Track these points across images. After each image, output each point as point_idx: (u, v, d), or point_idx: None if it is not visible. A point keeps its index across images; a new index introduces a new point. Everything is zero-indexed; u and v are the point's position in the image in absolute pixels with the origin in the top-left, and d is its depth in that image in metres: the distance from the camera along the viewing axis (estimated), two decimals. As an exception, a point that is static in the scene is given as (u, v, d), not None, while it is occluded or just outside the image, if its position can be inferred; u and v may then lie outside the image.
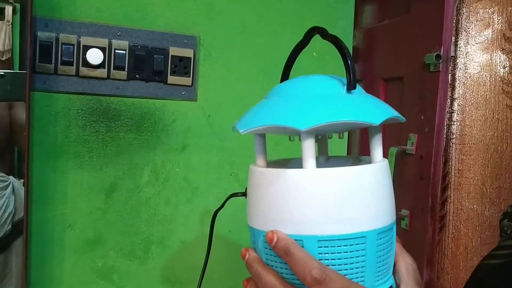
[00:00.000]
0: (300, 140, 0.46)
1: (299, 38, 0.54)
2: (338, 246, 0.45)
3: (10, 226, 0.89)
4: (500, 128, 0.92)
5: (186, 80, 1.03)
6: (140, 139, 1.01)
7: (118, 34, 0.97)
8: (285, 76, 0.55)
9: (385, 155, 1.07)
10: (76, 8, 0.94)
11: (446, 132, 0.92)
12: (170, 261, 1.05)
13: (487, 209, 0.93)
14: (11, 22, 0.84)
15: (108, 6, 0.97)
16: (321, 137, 0.58)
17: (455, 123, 0.91)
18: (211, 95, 1.06)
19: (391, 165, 0.98)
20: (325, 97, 0.46)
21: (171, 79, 1.01)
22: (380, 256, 0.47)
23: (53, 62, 0.92)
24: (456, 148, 0.91)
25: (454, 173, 0.92)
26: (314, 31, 0.51)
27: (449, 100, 0.92)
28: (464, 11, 0.91)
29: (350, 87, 0.46)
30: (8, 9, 0.83)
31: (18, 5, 0.88)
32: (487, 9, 0.92)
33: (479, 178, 0.92)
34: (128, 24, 0.98)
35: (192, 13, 1.04)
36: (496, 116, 0.92)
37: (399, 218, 1.00)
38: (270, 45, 1.10)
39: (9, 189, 0.88)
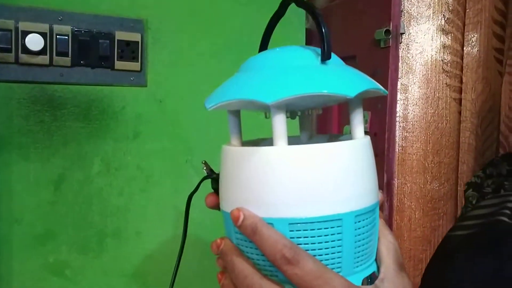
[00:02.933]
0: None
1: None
2: (311, 230, 0.41)
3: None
4: (440, 106, 0.96)
5: (134, 65, 0.99)
6: (88, 128, 0.97)
7: (60, 18, 0.93)
8: (263, 49, 0.52)
9: (337, 133, 1.07)
10: (12, -9, 0.90)
11: (397, 108, 0.92)
12: (126, 254, 1.02)
13: (428, 183, 0.97)
14: None
15: (47, -11, 0.92)
16: (301, 113, 0.54)
17: (399, 101, 0.93)
18: (162, 80, 1.03)
19: (345, 144, 0.98)
20: (296, 68, 0.43)
21: (118, 64, 0.98)
22: (359, 241, 0.43)
23: (-11, 49, 0.87)
24: (400, 126, 0.93)
25: (398, 150, 0.93)
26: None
27: (397, 77, 0.93)
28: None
29: (325, 58, 0.43)
30: None
31: None
32: (433, -15, 0.93)
33: (421, 153, 0.96)
34: (70, 8, 0.94)
35: (138, -5, 1.00)
36: (437, 95, 0.95)
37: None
38: (222, 28, 1.08)
39: None
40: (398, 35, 0.91)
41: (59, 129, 0.95)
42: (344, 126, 1.03)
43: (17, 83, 0.91)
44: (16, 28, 0.89)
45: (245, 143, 0.50)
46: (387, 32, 0.90)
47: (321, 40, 0.43)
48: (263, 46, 0.52)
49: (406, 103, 0.94)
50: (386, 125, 0.92)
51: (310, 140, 0.57)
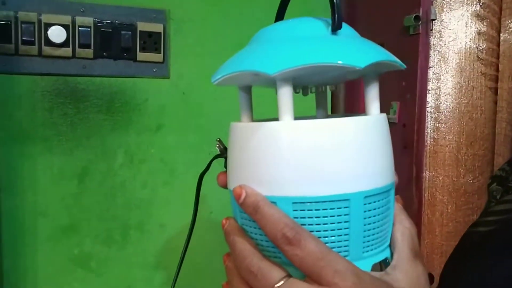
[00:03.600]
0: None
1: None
2: (316, 210, 0.38)
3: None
4: (474, 95, 0.91)
5: (157, 57, 0.98)
6: (111, 120, 0.97)
7: (82, 10, 0.92)
8: (278, 20, 0.49)
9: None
10: (35, -16, 0.89)
11: (428, 98, 0.88)
12: (150, 246, 1.02)
13: (462, 176, 0.92)
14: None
15: (69, -19, 0.92)
16: (315, 90, 0.51)
17: (430, 91, 0.88)
18: (185, 72, 1.02)
19: (373, 136, 0.94)
20: (304, 39, 0.40)
21: (141, 55, 0.96)
22: (369, 224, 0.40)
23: (13, 42, 0.87)
24: (432, 117, 0.88)
25: (430, 141, 0.89)
26: None
27: (429, 64, 0.88)
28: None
29: (335, 28, 0.40)
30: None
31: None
32: (467, -34, 0.87)
33: (454, 145, 0.91)
34: (92, 0, 0.93)
35: (160, -14, 0.99)
36: (471, 84, 0.90)
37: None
38: (245, 17, 1.05)
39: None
40: (428, 22, 0.87)
41: (82, 122, 0.95)
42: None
43: (40, 76, 0.91)
44: (39, 21, 0.89)
45: (255, 121, 0.48)
46: (417, 18, 0.86)
47: (331, 9, 0.40)
48: (279, 17, 0.49)
49: (438, 93, 0.90)
50: (416, 116, 0.88)
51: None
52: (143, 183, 1.00)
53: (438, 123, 0.91)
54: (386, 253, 0.43)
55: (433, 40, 0.89)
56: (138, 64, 0.97)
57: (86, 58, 0.93)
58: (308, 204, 0.38)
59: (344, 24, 0.42)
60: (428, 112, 0.90)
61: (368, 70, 0.41)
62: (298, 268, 0.38)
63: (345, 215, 0.39)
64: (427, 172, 0.91)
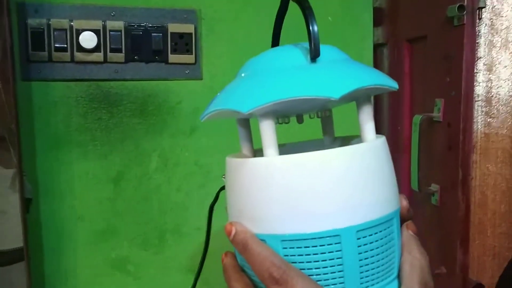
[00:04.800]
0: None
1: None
2: (305, 247, 0.37)
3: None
4: None
5: (189, 58, 0.96)
6: (145, 124, 0.96)
7: (112, 14, 0.92)
8: (274, 46, 0.50)
9: (409, 124, 0.97)
10: (66, -10, 0.90)
11: (474, 94, 0.82)
12: (187, 249, 1.01)
13: None
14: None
15: (100, -15, 0.92)
16: (321, 113, 0.50)
17: (480, 83, 0.81)
18: (218, 73, 1.00)
19: (415, 135, 0.88)
20: (281, 71, 0.39)
21: (173, 57, 0.95)
22: (366, 258, 0.38)
23: (46, 49, 0.88)
24: (482, 111, 0.82)
25: (480, 137, 0.82)
26: None
27: (476, 58, 0.81)
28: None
29: (313, 56, 0.39)
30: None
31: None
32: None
33: (508, 141, 0.84)
34: (122, 3, 0.92)
35: (190, -15, 0.97)
36: None
37: (429, 194, 0.91)
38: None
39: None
40: (474, 11, 0.80)
41: (116, 126, 0.95)
42: (408, 116, 0.93)
43: (74, 81, 0.91)
44: (71, 27, 0.89)
45: (257, 151, 0.46)
46: (461, 8, 0.79)
47: (308, 37, 0.39)
48: (274, 43, 0.50)
49: (489, 85, 0.83)
50: (461, 114, 0.81)
51: (333, 143, 0.51)
52: (178, 187, 0.99)
53: (490, 118, 0.84)
54: (393, 286, 0.41)
55: (483, 28, 0.82)
56: (170, 66, 0.96)
57: (118, 62, 0.92)
58: (296, 241, 0.37)
59: (329, 48, 0.41)
60: (478, 106, 0.84)
61: (357, 94, 0.40)
62: None
63: (337, 251, 0.37)
64: (477, 170, 0.85)
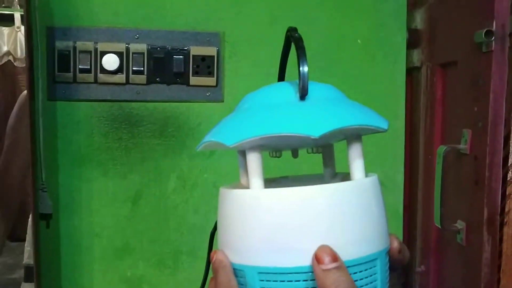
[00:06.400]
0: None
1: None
2: (281, 282, 0.37)
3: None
4: None
5: (210, 80, 0.96)
6: (164, 145, 0.97)
7: (136, 37, 0.94)
8: (280, 81, 0.49)
9: (433, 154, 0.91)
10: (93, 14, 0.93)
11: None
12: (202, 273, 1.00)
13: None
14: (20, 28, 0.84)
15: (125, 9, 0.94)
16: (315, 149, 0.49)
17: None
18: (239, 95, 0.98)
19: (438, 167, 0.82)
20: (269, 108, 0.40)
21: (194, 80, 0.95)
22: None
23: (71, 70, 0.91)
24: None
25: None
26: (288, 32, 0.45)
27: (505, 87, 0.75)
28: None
29: (301, 95, 0.40)
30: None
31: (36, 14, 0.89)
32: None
33: None
34: (147, 26, 0.94)
35: (215, 8, 0.97)
36: None
37: (454, 232, 0.84)
38: (302, 37, 0.99)
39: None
40: (505, 37, 0.74)
41: (136, 146, 0.96)
42: (440, 145, 0.87)
43: (97, 102, 0.94)
44: (95, 49, 0.92)
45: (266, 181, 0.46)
46: (488, 33, 0.73)
47: (299, 75, 0.39)
48: (280, 78, 0.50)
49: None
50: (487, 147, 0.75)
51: (332, 179, 0.49)
52: (196, 208, 0.99)
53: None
54: None
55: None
56: (191, 89, 0.96)
57: (140, 84, 0.94)
58: (273, 274, 0.37)
59: (324, 87, 0.42)
60: (511, 139, 0.77)
61: (346, 133, 0.40)
62: None
63: (312, 287, 0.37)
64: (510, 213, 0.78)
